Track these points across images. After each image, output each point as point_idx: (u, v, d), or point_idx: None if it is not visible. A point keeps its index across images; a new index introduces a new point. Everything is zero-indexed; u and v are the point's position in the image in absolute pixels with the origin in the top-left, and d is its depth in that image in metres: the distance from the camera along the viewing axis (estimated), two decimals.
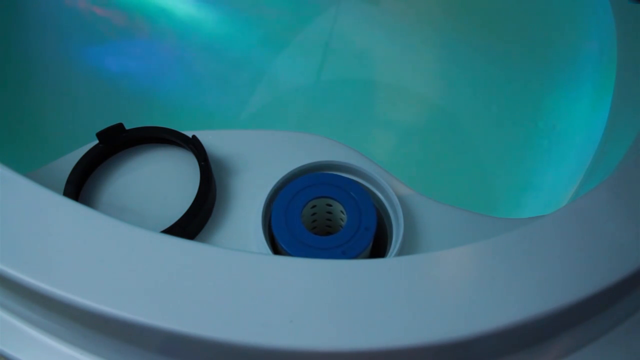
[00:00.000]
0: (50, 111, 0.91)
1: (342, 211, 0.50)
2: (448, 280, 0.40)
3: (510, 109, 0.95)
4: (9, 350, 0.43)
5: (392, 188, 0.52)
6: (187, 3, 1.03)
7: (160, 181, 0.56)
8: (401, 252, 0.50)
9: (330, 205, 0.51)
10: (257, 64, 1.02)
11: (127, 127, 0.58)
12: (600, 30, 0.80)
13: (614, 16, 0.77)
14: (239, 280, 0.39)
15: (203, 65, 1.01)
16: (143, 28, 1.01)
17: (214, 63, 1.01)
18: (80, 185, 0.54)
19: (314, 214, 0.52)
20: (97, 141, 0.56)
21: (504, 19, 0.99)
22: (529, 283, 0.39)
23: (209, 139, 0.58)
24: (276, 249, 0.49)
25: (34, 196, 0.43)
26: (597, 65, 0.84)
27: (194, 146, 0.55)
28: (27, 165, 0.54)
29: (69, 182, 0.53)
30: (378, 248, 0.51)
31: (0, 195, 0.43)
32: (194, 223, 0.51)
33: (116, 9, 0.99)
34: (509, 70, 0.98)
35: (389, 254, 0.49)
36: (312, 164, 0.53)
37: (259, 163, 0.57)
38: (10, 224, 0.41)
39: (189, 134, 0.56)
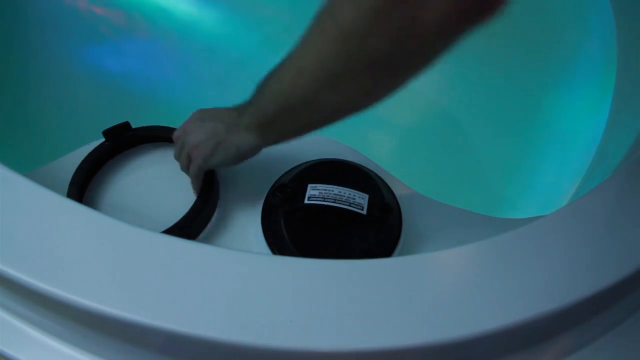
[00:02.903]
0: (50, 111, 0.91)
1: None
2: (448, 280, 0.40)
3: (510, 109, 0.95)
4: (9, 350, 0.43)
5: (392, 188, 0.52)
6: (187, 3, 1.03)
7: (162, 181, 0.56)
8: (401, 252, 0.50)
9: None
10: (257, 64, 1.01)
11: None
12: (600, 30, 0.80)
13: (614, 16, 0.77)
14: (239, 281, 0.39)
15: (203, 65, 1.01)
16: (143, 28, 1.01)
17: (214, 63, 1.01)
18: (85, 184, 0.54)
19: None
20: (99, 141, 0.56)
21: (503, 19, 0.98)
22: (529, 283, 0.39)
23: None
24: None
25: (34, 196, 0.43)
26: (597, 65, 0.84)
27: None
28: (27, 165, 0.54)
29: (73, 182, 0.53)
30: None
31: (0, 195, 0.43)
32: (195, 223, 0.51)
33: (116, 9, 0.99)
34: (510, 71, 0.97)
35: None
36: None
37: (259, 163, 0.57)
38: (10, 224, 0.41)
39: None
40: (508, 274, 0.39)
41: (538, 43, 0.95)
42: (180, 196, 0.54)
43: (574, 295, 0.38)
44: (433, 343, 0.36)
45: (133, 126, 0.58)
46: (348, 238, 0.49)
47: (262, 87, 0.45)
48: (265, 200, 0.52)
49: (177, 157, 0.54)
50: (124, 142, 0.57)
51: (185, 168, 0.54)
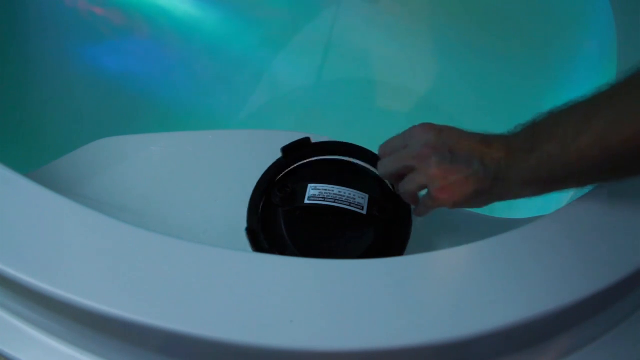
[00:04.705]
0: (50, 111, 0.91)
1: None
2: (448, 280, 0.40)
3: (510, 109, 0.95)
4: (9, 350, 0.43)
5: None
6: (187, 3, 1.03)
7: (163, 179, 0.56)
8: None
9: None
10: (257, 64, 1.02)
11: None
12: (600, 30, 0.80)
13: (614, 16, 0.77)
14: (239, 281, 0.39)
15: (203, 65, 1.01)
16: (143, 28, 1.01)
17: (214, 63, 1.01)
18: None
19: None
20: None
21: (503, 19, 0.98)
22: (529, 283, 0.39)
23: (209, 139, 0.58)
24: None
25: (34, 196, 0.43)
26: (597, 64, 0.84)
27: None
28: (27, 165, 0.54)
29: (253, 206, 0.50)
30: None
31: (0, 195, 0.43)
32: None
33: (116, 9, 0.99)
34: (509, 70, 0.97)
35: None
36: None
37: (259, 162, 0.57)
38: (10, 224, 0.41)
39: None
40: (508, 274, 0.39)
41: (538, 43, 0.95)
42: (183, 194, 0.54)
43: (574, 295, 0.38)
44: (433, 343, 0.36)
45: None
46: (348, 238, 0.49)
47: (547, 135, 0.39)
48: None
49: (396, 174, 0.47)
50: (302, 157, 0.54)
51: (412, 195, 0.48)
